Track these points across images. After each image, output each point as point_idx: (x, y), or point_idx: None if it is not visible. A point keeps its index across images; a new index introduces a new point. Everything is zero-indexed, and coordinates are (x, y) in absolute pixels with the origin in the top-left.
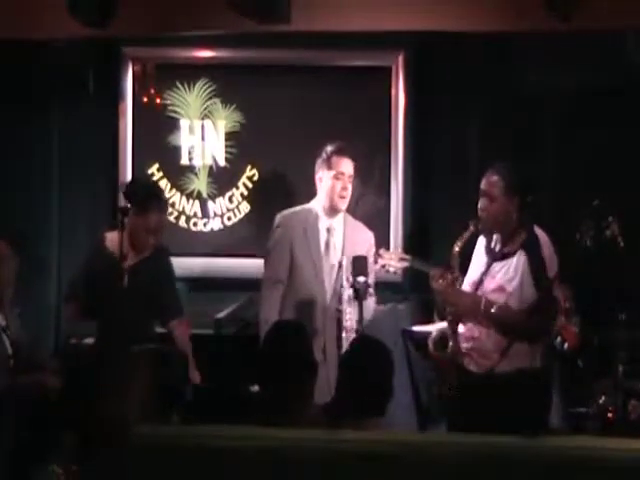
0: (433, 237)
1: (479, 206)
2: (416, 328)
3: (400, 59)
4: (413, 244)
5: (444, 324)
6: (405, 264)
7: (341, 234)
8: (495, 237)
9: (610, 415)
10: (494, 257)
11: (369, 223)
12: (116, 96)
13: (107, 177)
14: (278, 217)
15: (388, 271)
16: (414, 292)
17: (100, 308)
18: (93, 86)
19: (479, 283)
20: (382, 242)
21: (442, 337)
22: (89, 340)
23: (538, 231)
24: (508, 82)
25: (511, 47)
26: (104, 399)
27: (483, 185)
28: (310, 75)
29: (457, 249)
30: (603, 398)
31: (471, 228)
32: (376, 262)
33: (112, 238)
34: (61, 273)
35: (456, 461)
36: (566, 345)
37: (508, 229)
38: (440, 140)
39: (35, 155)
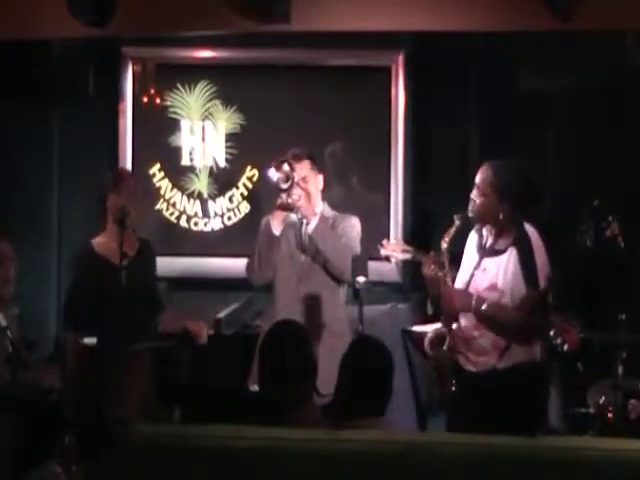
0: (432, 234)
1: (471, 198)
2: (416, 328)
3: (400, 59)
4: (413, 241)
5: (439, 324)
6: (408, 255)
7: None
8: (485, 233)
9: (610, 415)
10: (485, 253)
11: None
12: (116, 96)
13: None
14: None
15: (390, 261)
16: (414, 292)
17: (99, 311)
18: (93, 86)
19: (470, 280)
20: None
21: (438, 336)
22: (89, 340)
23: (529, 228)
24: (507, 82)
25: (511, 47)
26: (104, 399)
27: (476, 179)
28: (310, 75)
29: (445, 245)
30: (603, 398)
31: (457, 223)
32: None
33: (100, 242)
34: (61, 273)
35: (456, 461)
36: (566, 346)
37: (497, 225)
38: (440, 139)
39: (35, 155)
